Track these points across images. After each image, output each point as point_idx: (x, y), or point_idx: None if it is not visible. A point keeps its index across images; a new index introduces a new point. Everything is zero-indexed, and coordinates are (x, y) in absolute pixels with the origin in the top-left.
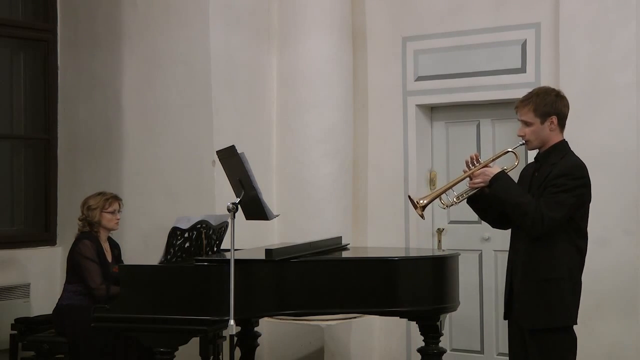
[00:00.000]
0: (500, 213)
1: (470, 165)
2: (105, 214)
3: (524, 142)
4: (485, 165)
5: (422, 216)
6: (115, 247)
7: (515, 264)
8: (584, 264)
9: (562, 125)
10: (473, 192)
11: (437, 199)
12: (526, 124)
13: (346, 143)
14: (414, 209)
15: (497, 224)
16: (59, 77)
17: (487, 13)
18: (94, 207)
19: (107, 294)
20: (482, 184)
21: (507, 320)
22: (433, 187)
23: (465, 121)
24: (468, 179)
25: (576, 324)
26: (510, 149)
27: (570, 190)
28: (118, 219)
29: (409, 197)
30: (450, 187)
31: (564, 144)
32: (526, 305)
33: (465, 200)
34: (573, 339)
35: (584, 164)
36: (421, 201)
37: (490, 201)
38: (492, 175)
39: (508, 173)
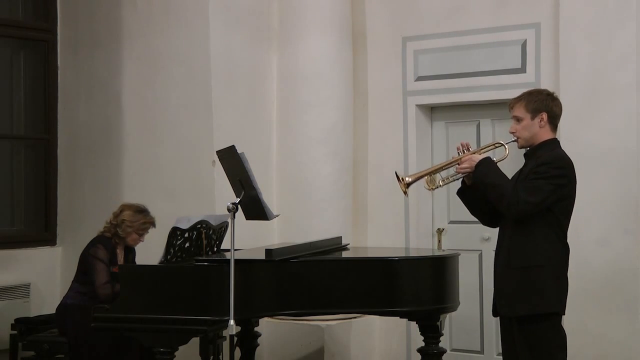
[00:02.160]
0: (490, 208)
1: (460, 153)
2: (135, 234)
3: (515, 139)
4: (474, 153)
5: (405, 193)
6: (130, 251)
7: (499, 255)
8: (568, 256)
9: (553, 124)
10: (459, 177)
11: (423, 181)
12: (517, 119)
13: (346, 143)
14: (398, 183)
15: (486, 219)
16: (59, 77)
17: (487, 13)
18: (129, 226)
19: (110, 296)
20: (468, 170)
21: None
22: (433, 187)
23: (465, 121)
24: (457, 165)
25: (564, 313)
26: (501, 142)
27: (549, 178)
28: (141, 241)
29: (396, 173)
30: (438, 170)
31: (554, 141)
32: (508, 293)
33: (456, 192)
34: (561, 334)
35: (570, 159)
36: (407, 178)
37: (478, 194)
38: (477, 161)
39: (497, 164)
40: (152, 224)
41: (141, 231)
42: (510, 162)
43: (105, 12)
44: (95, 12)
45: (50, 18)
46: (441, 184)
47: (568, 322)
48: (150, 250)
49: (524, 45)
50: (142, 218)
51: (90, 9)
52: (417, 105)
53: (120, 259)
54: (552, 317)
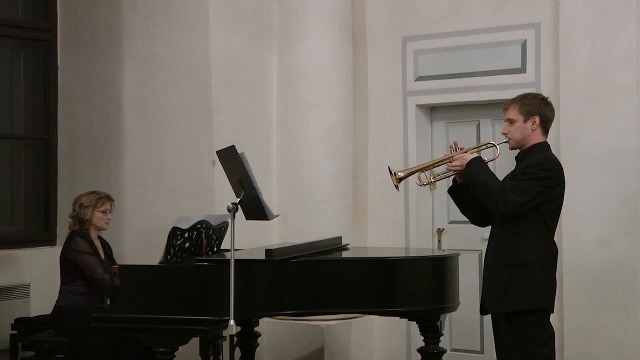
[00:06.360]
0: (479, 207)
1: (452, 151)
2: (97, 212)
3: (507, 140)
4: (466, 152)
5: (396, 187)
6: (106, 246)
7: (488, 253)
8: (556, 255)
9: (544, 128)
10: (450, 174)
11: (415, 177)
12: (510, 121)
13: (346, 143)
14: (390, 177)
15: (476, 219)
16: (59, 77)
17: (487, 13)
18: (87, 205)
19: (112, 284)
20: (459, 168)
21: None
22: (433, 188)
23: (465, 121)
24: (449, 163)
25: (552, 311)
26: (493, 142)
27: (537, 180)
28: (109, 219)
29: (389, 167)
30: (430, 167)
31: (544, 145)
32: (496, 290)
33: (447, 190)
34: (548, 331)
35: (559, 163)
36: (399, 173)
37: (468, 192)
38: (468, 160)
39: (487, 164)
40: (107, 197)
41: (100, 206)
42: (503, 164)
43: (105, 12)
44: (95, 12)
45: (50, 18)
46: (432, 180)
47: (568, 321)
48: (150, 251)
49: (524, 45)
50: (96, 195)
51: (90, 9)
52: (417, 105)
53: (100, 247)
54: (540, 314)
